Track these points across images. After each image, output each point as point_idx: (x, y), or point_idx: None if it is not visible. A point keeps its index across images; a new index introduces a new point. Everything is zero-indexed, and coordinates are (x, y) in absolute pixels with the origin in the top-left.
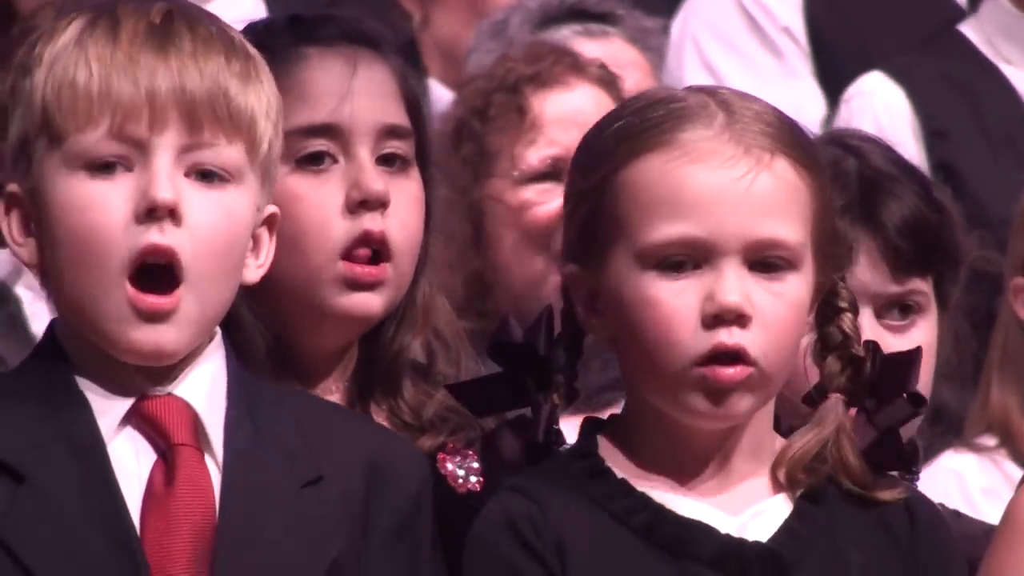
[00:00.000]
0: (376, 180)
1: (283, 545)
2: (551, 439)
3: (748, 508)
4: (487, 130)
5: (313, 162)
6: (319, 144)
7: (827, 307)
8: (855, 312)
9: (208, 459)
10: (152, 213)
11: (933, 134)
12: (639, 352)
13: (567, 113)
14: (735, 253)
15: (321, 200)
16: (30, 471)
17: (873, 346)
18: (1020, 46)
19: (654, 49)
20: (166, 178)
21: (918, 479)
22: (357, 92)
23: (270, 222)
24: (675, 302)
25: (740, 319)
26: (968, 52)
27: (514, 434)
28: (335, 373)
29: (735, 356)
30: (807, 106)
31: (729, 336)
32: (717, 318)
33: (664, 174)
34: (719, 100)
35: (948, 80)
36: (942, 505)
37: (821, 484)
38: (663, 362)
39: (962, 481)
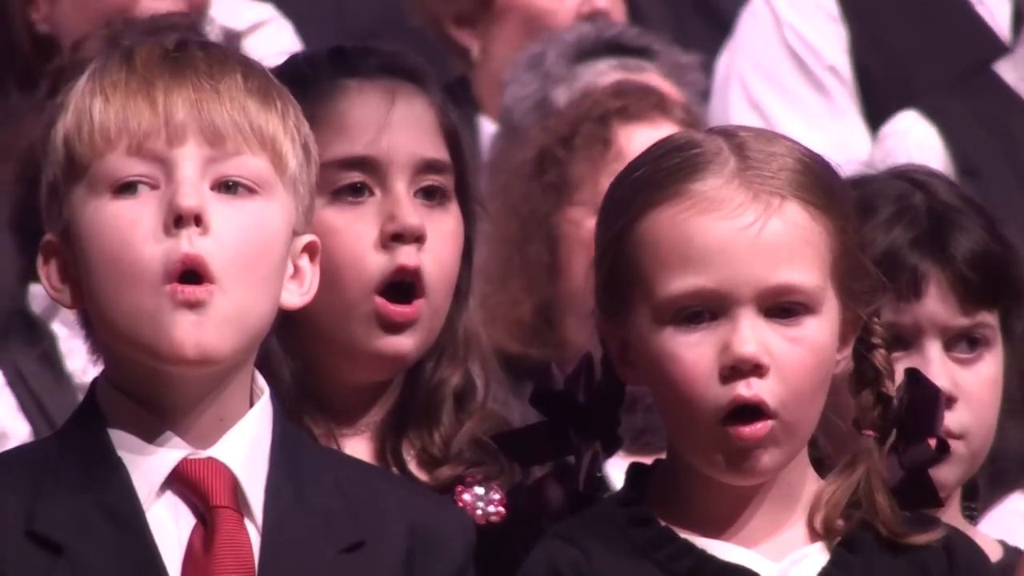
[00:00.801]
0: (412, 214)
1: None
2: (594, 487)
3: (788, 555)
4: (572, 158)
5: (349, 194)
6: (355, 176)
7: (860, 343)
8: (888, 348)
9: (248, 522)
10: (179, 221)
11: (965, 172)
12: (666, 406)
13: None
14: (749, 302)
15: (357, 233)
16: (68, 542)
17: (912, 377)
18: None
19: (690, 85)
20: (190, 186)
21: (976, 514)
22: (395, 125)
23: (311, 250)
24: (691, 356)
25: (757, 369)
26: (1001, 91)
27: (558, 483)
28: (366, 411)
29: (755, 410)
30: (853, 144)
31: (747, 389)
32: (734, 370)
33: (674, 226)
34: (734, 144)
35: (980, 119)
36: (1003, 542)
37: (857, 531)
38: (687, 418)
39: None
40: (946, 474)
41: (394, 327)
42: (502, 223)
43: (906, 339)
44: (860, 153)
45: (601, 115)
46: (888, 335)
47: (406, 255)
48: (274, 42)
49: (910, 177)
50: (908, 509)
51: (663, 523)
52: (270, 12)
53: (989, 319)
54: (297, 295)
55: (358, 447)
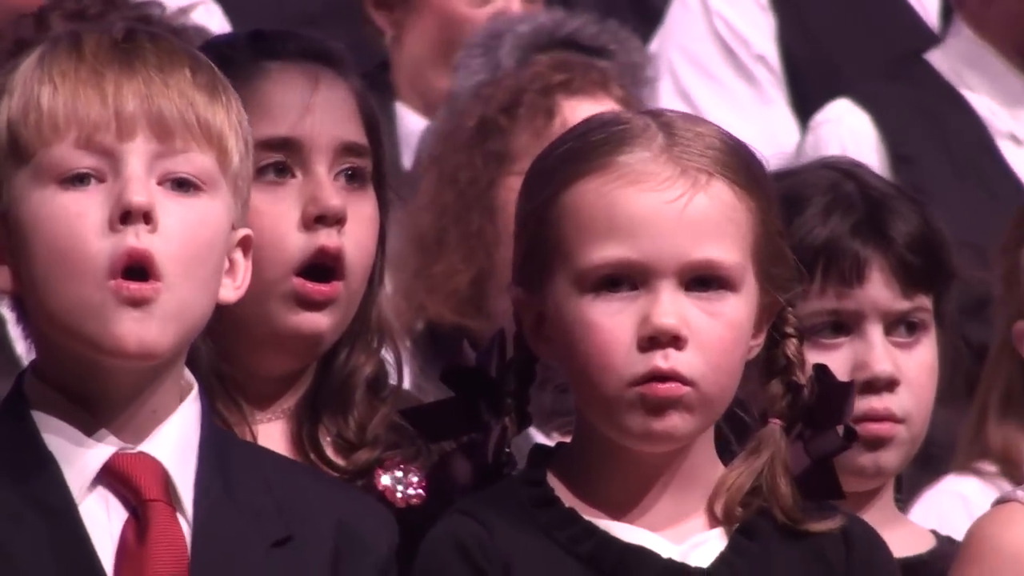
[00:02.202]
0: (334, 196)
1: None
2: (502, 462)
3: (688, 539)
4: (514, 128)
5: (271, 175)
6: (277, 157)
7: (774, 332)
8: (801, 339)
9: (179, 515)
10: (127, 217)
11: (898, 159)
12: (580, 375)
13: None
14: (670, 275)
15: (278, 214)
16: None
17: (820, 371)
18: (983, 74)
19: (643, 83)
20: (139, 183)
21: (902, 506)
22: (318, 108)
23: (244, 244)
24: (611, 324)
25: (675, 341)
26: (934, 80)
27: (466, 458)
28: (282, 397)
29: (671, 376)
30: (781, 133)
31: (664, 360)
32: (652, 340)
33: (600, 197)
34: (661, 122)
35: (914, 107)
36: (935, 532)
37: (756, 518)
38: (601, 385)
39: (967, 504)
40: (887, 459)
41: (312, 305)
42: (440, 193)
43: (848, 325)
44: (788, 142)
45: (544, 87)
46: (801, 325)
47: (327, 236)
48: (204, 25)
49: (838, 167)
50: (810, 499)
51: (566, 504)
52: None
53: (926, 303)
54: (231, 290)
55: (273, 433)
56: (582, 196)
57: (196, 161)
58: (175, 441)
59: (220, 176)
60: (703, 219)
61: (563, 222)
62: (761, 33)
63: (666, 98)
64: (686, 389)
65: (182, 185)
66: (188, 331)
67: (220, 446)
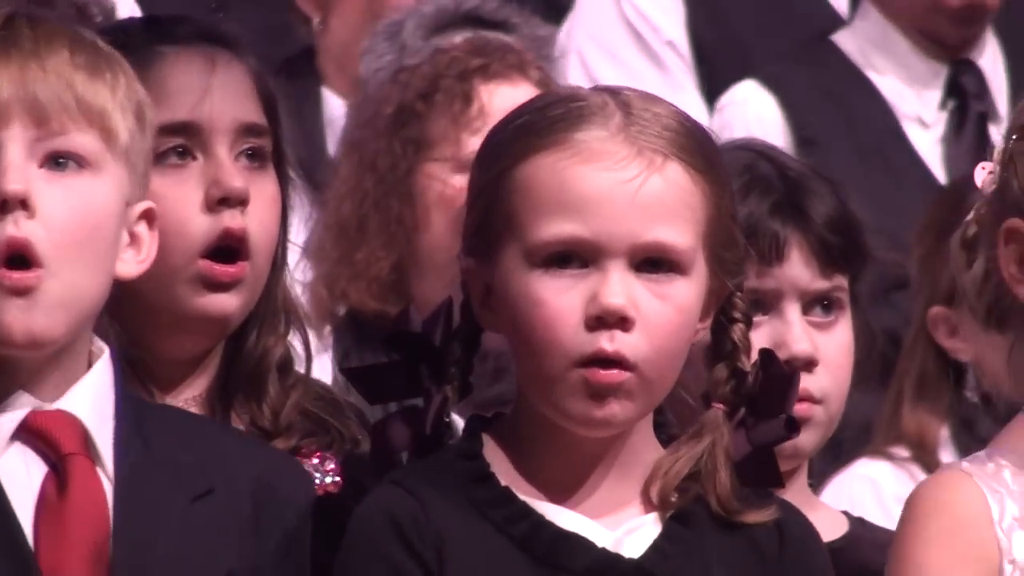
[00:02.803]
0: (236, 177)
1: (178, 555)
2: (441, 431)
3: (623, 524)
4: (431, 114)
5: (172, 159)
6: (178, 141)
7: (722, 316)
8: (748, 324)
9: (99, 471)
10: (4, 206)
11: (804, 142)
12: (524, 350)
13: (511, 108)
14: (621, 255)
15: (181, 198)
16: None
17: (766, 357)
18: (890, 57)
19: (548, 58)
20: (15, 170)
21: (814, 489)
22: (216, 90)
23: (148, 216)
24: (558, 301)
25: (623, 322)
26: (841, 62)
27: (405, 423)
28: (191, 380)
29: (614, 363)
30: (700, 125)
31: (610, 342)
32: (600, 320)
33: (555, 173)
34: (620, 100)
35: (819, 89)
36: (847, 514)
37: (692, 505)
38: (545, 362)
39: (877, 488)
40: (805, 440)
41: (219, 287)
42: (359, 180)
43: (766, 303)
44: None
45: (461, 72)
46: (749, 311)
47: (231, 218)
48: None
49: (753, 148)
50: (748, 486)
51: (503, 482)
52: None
53: (844, 283)
54: (134, 264)
55: None
56: (536, 171)
57: (77, 141)
58: (91, 399)
59: (106, 154)
60: (656, 201)
61: (515, 196)
62: (670, 19)
63: (574, 83)
64: (627, 375)
65: (63, 166)
66: (80, 315)
67: (136, 406)
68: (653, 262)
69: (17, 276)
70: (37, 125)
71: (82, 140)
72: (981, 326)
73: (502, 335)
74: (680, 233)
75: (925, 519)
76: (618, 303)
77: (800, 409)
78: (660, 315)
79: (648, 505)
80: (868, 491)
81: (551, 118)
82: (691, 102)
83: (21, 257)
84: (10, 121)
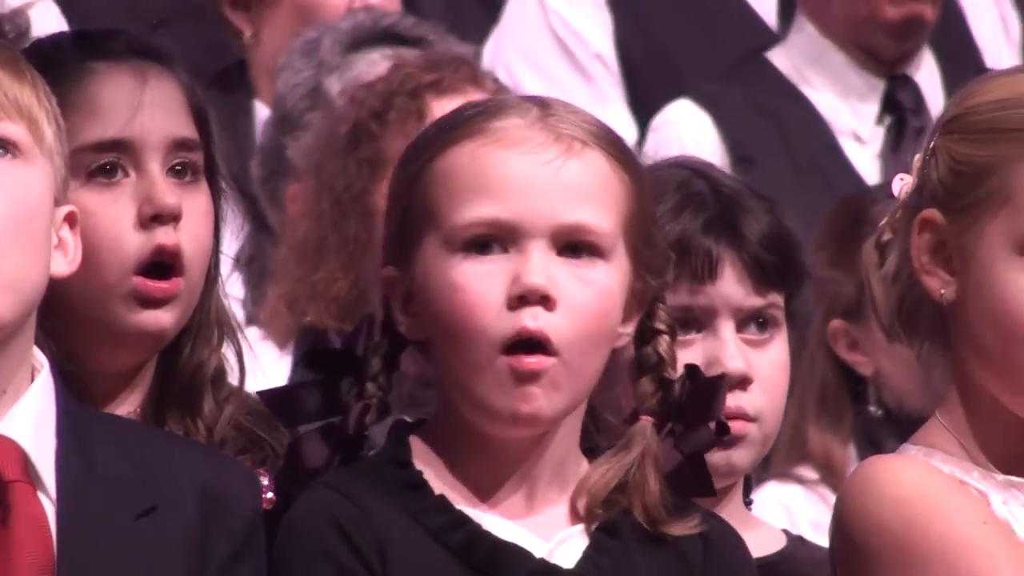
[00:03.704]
0: (168, 194)
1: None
2: (363, 438)
3: (555, 534)
4: (386, 133)
5: (104, 176)
6: (110, 157)
7: (644, 328)
8: (672, 335)
9: (41, 495)
10: None
11: (739, 160)
12: (445, 344)
13: None
14: (542, 236)
15: (113, 215)
16: None
17: (691, 371)
18: (826, 72)
19: None
20: None
21: (750, 507)
22: (147, 106)
23: (71, 220)
24: (480, 285)
25: (545, 301)
26: (775, 79)
27: (322, 441)
28: (127, 394)
29: (538, 345)
30: (618, 131)
31: (534, 320)
32: (522, 299)
33: (473, 159)
34: (536, 100)
35: (754, 107)
36: (786, 531)
37: (619, 516)
38: (470, 350)
39: (790, 513)
40: (739, 457)
41: (154, 303)
42: (317, 200)
43: (699, 321)
44: (626, 140)
45: (414, 88)
46: (673, 322)
47: (164, 235)
48: (39, 24)
49: (688, 166)
50: (681, 496)
51: (436, 491)
52: None
53: (778, 300)
54: (64, 264)
55: None
56: (455, 160)
57: (8, 129)
58: (31, 420)
59: (35, 147)
60: (577, 183)
61: (435, 187)
62: (598, 31)
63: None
64: (552, 361)
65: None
66: (27, 300)
67: (77, 420)
68: (574, 247)
69: None
70: None
71: (13, 128)
72: (886, 337)
73: (418, 363)
74: (601, 216)
75: (926, 501)
76: (539, 281)
77: (735, 427)
78: (582, 298)
79: (575, 516)
80: (781, 516)
81: (467, 116)
82: (619, 115)
83: None
84: None
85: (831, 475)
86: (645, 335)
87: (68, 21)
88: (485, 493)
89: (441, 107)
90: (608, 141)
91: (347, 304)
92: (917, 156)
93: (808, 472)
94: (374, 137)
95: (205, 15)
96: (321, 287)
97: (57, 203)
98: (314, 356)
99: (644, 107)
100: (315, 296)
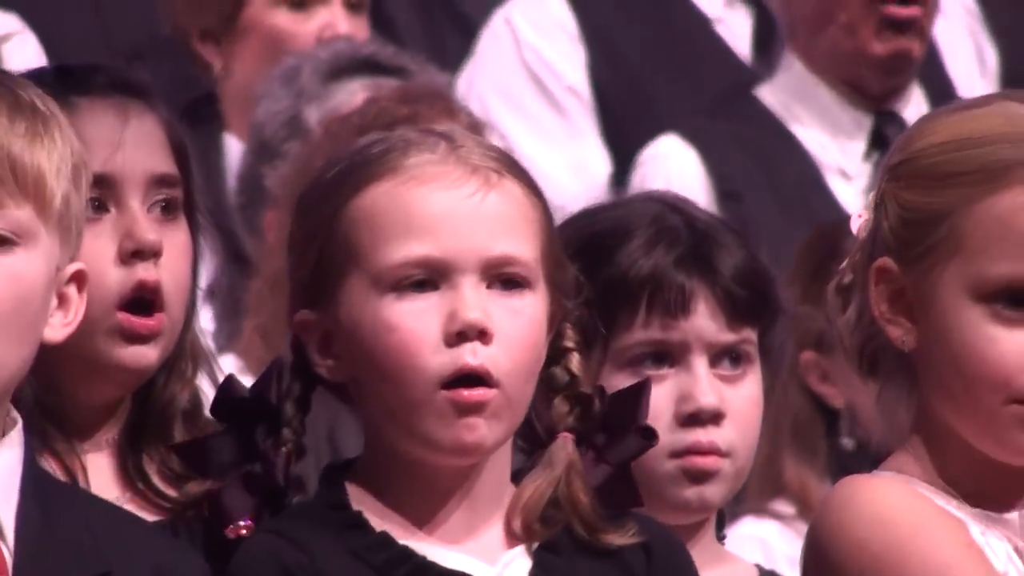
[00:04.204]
0: (148, 230)
1: None
2: (290, 487)
3: (499, 559)
4: None
5: (85, 211)
6: (92, 193)
7: (553, 349)
8: (582, 352)
9: (2, 546)
10: None
11: (725, 196)
12: (380, 384)
13: None
14: (472, 271)
15: (95, 252)
16: None
17: (600, 389)
18: (813, 108)
19: None
20: None
21: (724, 540)
22: (128, 142)
23: (79, 279)
24: (415, 324)
25: (482, 335)
26: (762, 115)
27: (243, 489)
28: (105, 426)
29: (478, 380)
30: (592, 165)
31: (474, 356)
32: (460, 335)
33: (394, 198)
34: (439, 132)
35: (741, 142)
36: (759, 567)
37: (558, 534)
38: (407, 389)
39: (767, 549)
40: (712, 492)
41: (138, 339)
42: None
43: (672, 356)
44: (599, 174)
45: (389, 123)
46: (581, 339)
47: (144, 270)
48: (18, 55)
49: (663, 200)
50: (610, 508)
51: (377, 529)
52: (15, 24)
53: (752, 336)
54: (60, 328)
55: (100, 463)
56: (374, 200)
57: (11, 217)
58: (1, 472)
59: (39, 226)
60: (499, 215)
61: (356, 228)
62: (572, 64)
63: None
64: (493, 392)
65: (1, 242)
66: (5, 386)
67: (41, 483)
68: (502, 279)
69: None
70: None
71: (17, 215)
72: (856, 372)
73: (336, 395)
74: (524, 246)
75: (908, 521)
76: (476, 316)
77: (707, 462)
78: (515, 329)
79: (513, 538)
80: (758, 551)
81: (376, 153)
82: (592, 148)
83: None
84: None
85: (807, 509)
86: (555, 355)
87: (46, 52)
88: (425, 524)
89: None
90: (518, 168)
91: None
92: (872, 194)
93: (784, 507)
94: None
95: (175, 49)
96: None
97: (60, 268)
98: (223, 405)
99: (618, 141)
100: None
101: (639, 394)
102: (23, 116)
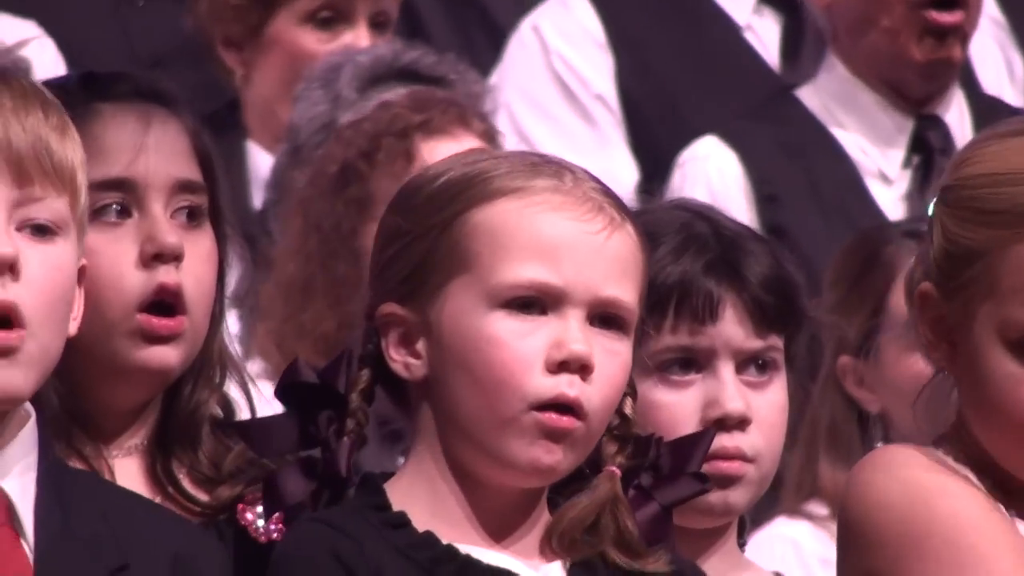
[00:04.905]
0: (169, 233)
1: None
2: (350, 478)
3: (540, 567)
4: (374, 173)
5: (108, 216)
6: (114, 197)
7: None
8: (635, 396)
9: (22, 543)
10: None
11: (765, 198)
12: (468, 393)
13: None
14: (581, 305)
15: (116, 254)
16: None
17: (657, 439)
18: (854, 112)
19: (483, 114)
20: (4, 233)
21: (744, 548)
22: (151, 147)
23: (81, 275)
24: (521, 344)
25: (583, 370)
26: (802, 117)
27: (301, 474)
28: (132, 431)
29: (568, 410)
30: (619, 173)
31: (571, 387)
32: (563, 365)
33: (523, 217)
34: (563, 164)
35: (781, 145)
36: (778, 574)
37: (592, 558)
38: (498, 403)
39: (799, 550)
40: (736, 497)
41: (158, 339)
42: (305, 240)
43: (699, 362)
44: (627, 182)
45: (402, 129)
46: (635, 384)
47: (166, 273)
48: (36, 62)
49: (689, 208)
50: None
51: (420, 529)
52: (33, 30)
53: (778, 343)
54: (72, 323)
55: (130, 468)
56: (503, 214)
57: (53, 207)
58: (18, 468)
59: (71, 219)
60: (617, 257)
61: (475, 237)
62: (600, 72)
63: (504, 136)
64: (579, 424)
65: (41, 232)
66: (46, 373)
67: (58, 475)
68: (603, 318)
69: (2, 336)
70: (19, 186)
71: (56, 206)
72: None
73: (390, 399)
74: (631, 292)
75: (934, 483)
76: (584, 350)
77: (732, 467)
78: (610, 370)
79: (549, 554)
80: (790, 552)
81: (504, 170)
82: (620, 157)
83: (6, 319)
84: None
85: None
86: None
87: (66, 59)
88: (463, 535)
89: (429, 148)
90: (631, 216)
91: (335, 343)
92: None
93: (818, 508)
94: (363, 178)
95: (197, 56)
96: (309, 326)
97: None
98: (289, 390)
99: (646, 148)
100: (303, 335)
101: (699, 442)
102: (54, 111)
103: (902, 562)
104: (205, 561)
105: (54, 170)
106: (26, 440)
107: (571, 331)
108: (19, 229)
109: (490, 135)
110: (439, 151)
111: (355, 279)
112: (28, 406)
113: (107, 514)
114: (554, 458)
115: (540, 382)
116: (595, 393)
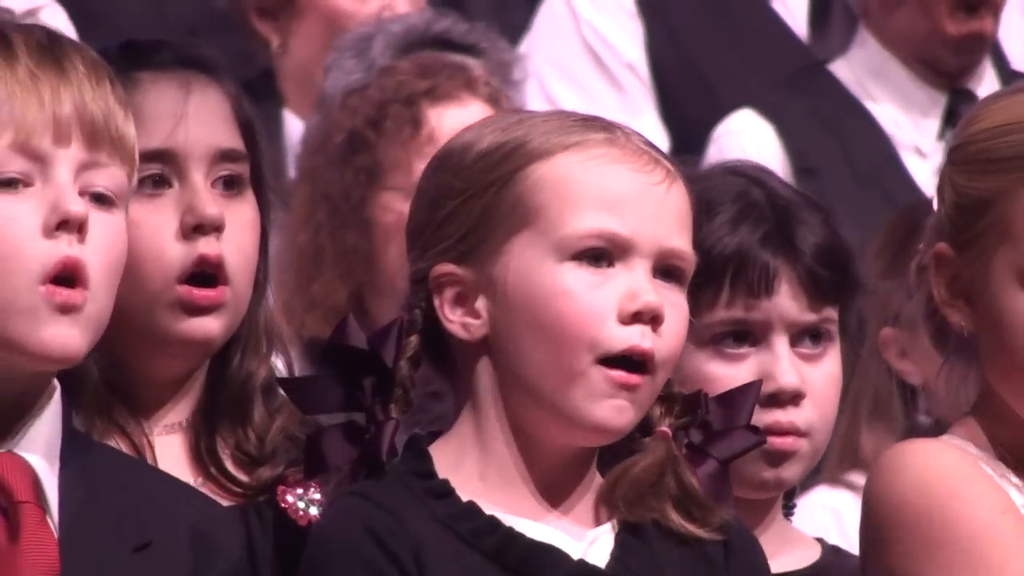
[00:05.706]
0: (210, 204)
1: None
2: (393, 455)
3: (586, 535)
4: (381, 142)
5: (148, 187)
6: (153, 168)
7: None
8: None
9: (48, 519)
10: (63, 225)
11: (801, 171)
12: (536, 347)
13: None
14: (648, 256)
15: (156, 225)
16: None
17: (704, 395)
18: (888, 85)
19: (515, 83)
20: (73, 192)
21: (793, 513)
22: (191, 116)
23: None
24: (592, 295)
25: (655, 320)
26: (837, 91)
27: (344, 439)
28: (176, 402)
29: (638, 363)
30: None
31: (643, 338)
32: (636, 316)
33: (587, 169)
34: (601, 119)
35: (817, 118)
36: (821, 540)
37: (644, 521)
38: (568, 356)
39: (839, 518)
40: (789, 472)
41: (200, 310)
42: (314, 210)
43: (754, 335)
44: None
45: (409, 96)
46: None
47: (206, 244)
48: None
49: (745, 173)
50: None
51: (464, 498)
52: None
53: (833, 314)
54: None
55: (172, 446)
56: (564, 168)
57: (115, 176)
58: (43, 442)
59: (127, 193)
60: (678, 209)
61: (539, 192)
62: (630, 40)
63: (533, 104)
64: (648, 379)
65: (101, 200)
66: (96, 340)
67: (80, 448)
68: (665, 270)
69: (67, 293)
70: (89, 150)
71: (119, 176)
72: (935, 349)
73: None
74: (689, 244)
75: (947, 485)
76: (657, 301)
77: (786, 443)
78: (676, 322)
79: (599, 517)
80: (831, 521)
81: (564, 125)
82: (650, 125)
83: (71, 277)
84: (68, 141)
85: None
86: None
87: (77, 28)
88: (515, 497)
89: (437, 114)
90: (682, 175)
91: (345, 314)
92: (938, 177)
93: (859, 477)
94: (370, 146)
95: (231, 25)
96: (319, 297)
97: None
98: (335, 352)
99: (676, 117)
100: (313, 307)
101: (747, 394)
102: (118, 86)
103: (917, 566)
104: (223, 533)
105: (120, 140)
106: (53, 413)
107: (643, 282)
108: (81, 194)
109: (496, 99)
110: (446, 117)
111: (365, 249)
112: (54, 379)
113: (127, 489)
114: (625, 417)
115: (613, 333)
116: (663, 345)
